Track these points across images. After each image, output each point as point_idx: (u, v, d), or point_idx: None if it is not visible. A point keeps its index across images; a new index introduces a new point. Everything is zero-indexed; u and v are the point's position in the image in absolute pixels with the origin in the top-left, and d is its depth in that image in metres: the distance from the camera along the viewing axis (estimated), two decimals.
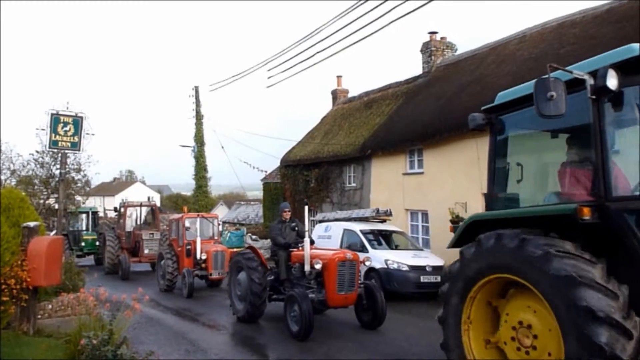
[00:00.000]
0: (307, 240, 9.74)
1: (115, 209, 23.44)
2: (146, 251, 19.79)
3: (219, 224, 17.52)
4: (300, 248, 10.29)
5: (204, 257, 14.90)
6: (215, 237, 16.72)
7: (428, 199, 17.40)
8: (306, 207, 9.92)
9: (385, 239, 14.89)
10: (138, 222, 21.93)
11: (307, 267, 9.66)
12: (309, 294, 9.33)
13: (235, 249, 18.52)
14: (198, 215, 16.62)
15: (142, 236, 19.95)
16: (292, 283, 10.31)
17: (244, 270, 10.66)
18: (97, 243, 23.65)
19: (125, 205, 21.83)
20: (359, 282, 9.97)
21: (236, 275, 11.11)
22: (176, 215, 17.55)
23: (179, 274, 15.19)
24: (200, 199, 33.51)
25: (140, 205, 22.29)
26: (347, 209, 19.67)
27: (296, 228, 10.94)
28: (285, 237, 10.69)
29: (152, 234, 20.25)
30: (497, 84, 15.54)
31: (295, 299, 8.99)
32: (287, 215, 11.00)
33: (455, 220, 15.75)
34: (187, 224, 15.82)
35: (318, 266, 9.43)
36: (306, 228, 9.92)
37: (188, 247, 15.31)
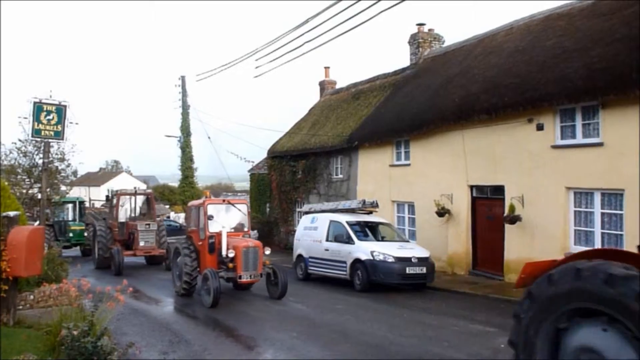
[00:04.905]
0: None
1: (106, 198, 21.93)
2: (142, 244, 18.04)
3: (249, 212, 14.15)
4: None
5: (231, 255, 11.73)
6: (246, 229, 13.29)
7: (414, 191, 17.45)
8: None
9: (371, 230, 14.91)
10: (132, 213, 19.98)
11: None
12: None
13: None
14: (224, 201, 13.73)
15: (137, 227, 18.10)
16: None
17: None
18: (86, 234, 23.03)
19: (118, 194, 19.86)
20: None
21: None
22: (197, 201, 14.07)
23: (200, 274, 12.30)
24: (187, 190, 33.38)
25: (135, 193, 20.18)
26: (334, 200, 19.65)
27: None
28: None
29: (148, 224, 18.40)
30: (484, 76, 15.57)
31: None
32: None
33: (441, 212, 15.86)
34: (210, 211, 12.69)
35: None
36: None
37: (211, 241, 12.32)
